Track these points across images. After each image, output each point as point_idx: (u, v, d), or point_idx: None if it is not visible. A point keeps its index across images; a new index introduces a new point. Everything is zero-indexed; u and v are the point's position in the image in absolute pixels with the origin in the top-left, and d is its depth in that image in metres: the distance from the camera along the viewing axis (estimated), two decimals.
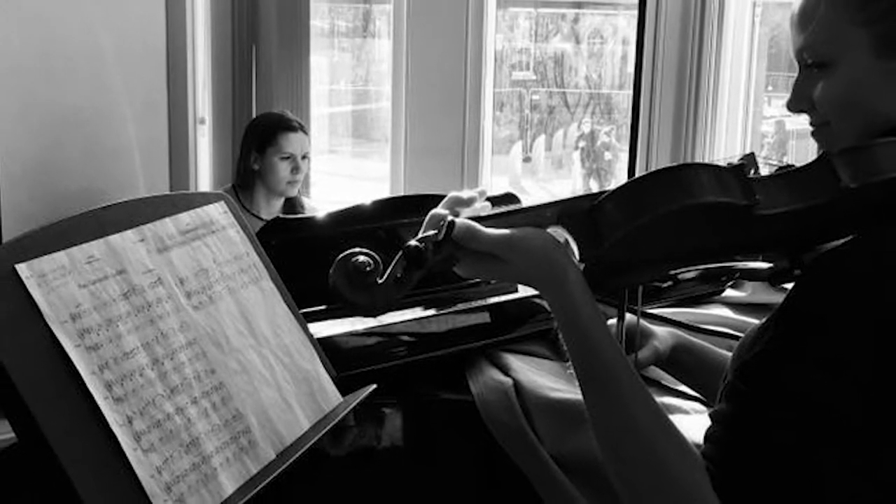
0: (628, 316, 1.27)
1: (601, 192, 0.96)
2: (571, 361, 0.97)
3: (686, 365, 1.35)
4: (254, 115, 3.63)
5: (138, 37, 3.38)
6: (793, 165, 0.99)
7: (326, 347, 1.27)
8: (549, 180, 5.08)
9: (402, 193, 3.75)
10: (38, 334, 0.95)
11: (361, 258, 0.95)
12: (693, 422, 1.19)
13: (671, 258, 1.10)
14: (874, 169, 0.95)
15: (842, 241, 0.96)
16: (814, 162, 0.97)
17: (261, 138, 3.26)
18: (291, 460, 1.08)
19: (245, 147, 3.31)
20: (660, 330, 1.37)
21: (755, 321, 1.09)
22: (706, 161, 1.00)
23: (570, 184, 5.02)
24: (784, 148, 4.37)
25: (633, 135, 3.26)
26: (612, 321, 1.25)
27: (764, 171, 1.03)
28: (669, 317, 1.57)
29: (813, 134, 1.10)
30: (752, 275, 1.14)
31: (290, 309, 1.23)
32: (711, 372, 1.28)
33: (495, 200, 1.11)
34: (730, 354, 1.05)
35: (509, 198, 1.67)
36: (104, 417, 0.95)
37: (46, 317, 0.96)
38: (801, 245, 1.03)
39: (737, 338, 1.19)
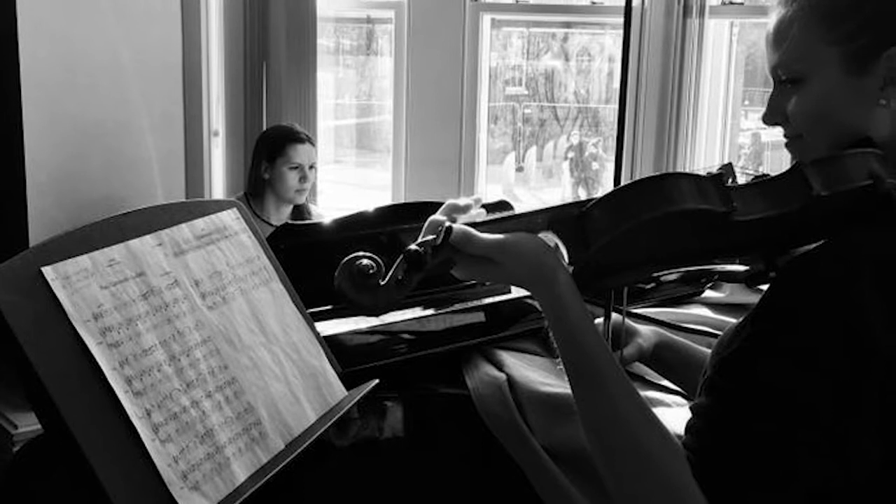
0: (614, 315, 1.27)
1: (589, 200, 0.96)
2: (561, 358, 0.97)
3: (668, 361, 1.35)
4: (264, 128, 3.63)
5: (156, 54, 3.39)
6: (768, 175, 0.99)
7: (332, 345, 1.27)
8: (541, 189, 5.07)
9: (402, 201, 3.75)
10: (62, 332, 0.96)
11: (365, 261, 0.95)
12: (675, 414, 1.19)
13: (654, 261, 1.10)
14: (843, 178, 0.95)
15: (814, 245, 0.96)
16: (787, 171, 0.97)
17: (271, 149, 3.25)
18: (299, 450, 1.08)
19: (256, 157, 3.31)
20: (644, 328, 1.37)
21: (733, 320, 1.09)
22: (687, 171, 1.00)
23: (559, 192, 5.02)
24: (760, 158, 4.37)
25: (618, 146, 3.27)
26: (599, 320, 1.25)
27: (741, 179, 1.03)
28: (653, 316, 1.56)
29: (787, 145, 1.10)
30: (730, 277, 1.14)
31: (297, 309, 1.23)
32: (692, 368, 1.28)
33: (490, 207, 1.11)
34: (709, 351, 1.05)
35: (503, 205, 1.67)
36: (124, 410, 0.95)
37: (70, 316, 0.96)
38: (776, 249, 1.03)
39: (716, 336, 1.19)
